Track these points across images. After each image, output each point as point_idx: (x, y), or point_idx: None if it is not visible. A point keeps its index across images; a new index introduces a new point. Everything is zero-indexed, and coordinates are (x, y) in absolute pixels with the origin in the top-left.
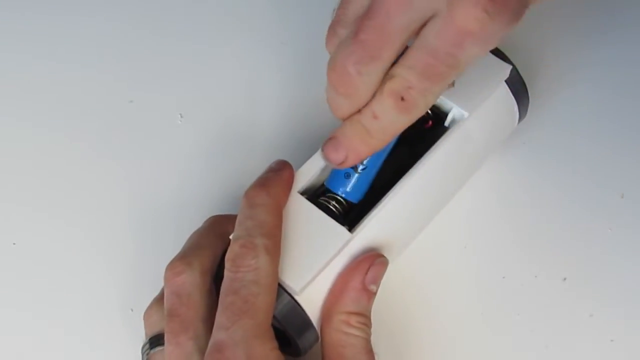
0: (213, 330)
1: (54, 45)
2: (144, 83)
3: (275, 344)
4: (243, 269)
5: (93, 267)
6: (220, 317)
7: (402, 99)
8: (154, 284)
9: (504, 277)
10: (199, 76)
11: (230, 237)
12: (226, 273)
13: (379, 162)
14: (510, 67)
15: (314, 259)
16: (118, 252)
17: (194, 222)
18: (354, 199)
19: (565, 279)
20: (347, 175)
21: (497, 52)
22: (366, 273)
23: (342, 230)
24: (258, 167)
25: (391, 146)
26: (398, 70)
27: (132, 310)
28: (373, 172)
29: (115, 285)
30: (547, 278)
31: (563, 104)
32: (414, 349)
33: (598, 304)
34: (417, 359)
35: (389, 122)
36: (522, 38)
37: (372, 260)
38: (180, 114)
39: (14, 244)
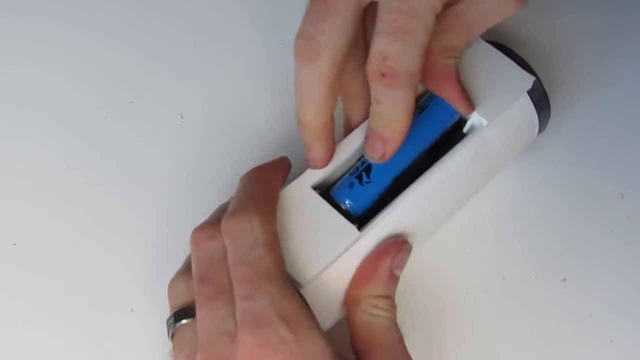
0: (237, 303)
1: (54, 46)
2: (144, 83)
3: (300, 298)
4: (240, 234)
5: (93, 267)
6: (240, 290)
7: (383, 74)
8: (155, 285)
9: (503, 278)
10: (199, 77)
11: None
12: (227, 245)
13: (386, 181)
14: (534, 78)
15: (321, 254)
16: (118, 252)
17: (194, 222)
18: (354, 211)
19: (565, 279)
20: (351, 185)
21: (521, 62)
22: (393, 258)
23: (351, 228)
24: None
25: (402, 168)
26: (370, 50)
27: (132, 310)
28: (378, 188)
29: (115, 286)
30: (547, 279)
31: (566, 107)
32: (411, 349)
33: (598, 305)
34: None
35: (391, 101)
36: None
37: (399, 246)
38: (181, 115)
39: (15, 244)
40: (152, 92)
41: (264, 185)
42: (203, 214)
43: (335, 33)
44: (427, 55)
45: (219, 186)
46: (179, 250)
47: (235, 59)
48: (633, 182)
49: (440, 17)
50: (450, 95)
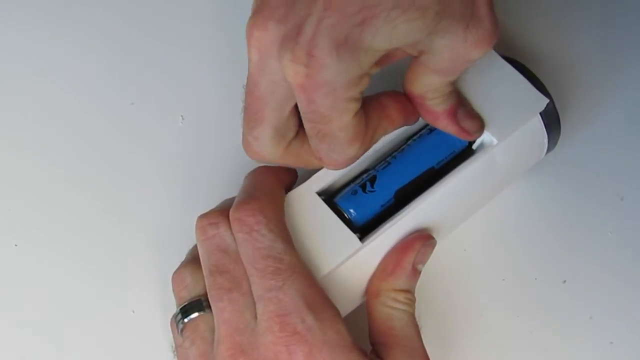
0: (262, 294)
1: (54, 47)
2: (145, 85)
3: (322, 288)
4: (256, 227)
5: (94, 268)
6: (263, 282)
7: (321, 158)
8: (156, 286)
9: (503, 280)
10: (200, 78)
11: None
12: (239, 236)
13: (389, 193)
14: (547, 100)
15: (321, 262)
16: (119, 254)
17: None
18: (357, 220)
19: (565, 281)
20: (354, 192)
21: (536, 82)
22: (417, 253)
23: (353, 238)
24: None
25: (405, 182)
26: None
27: (133, 311)
28: (381, 199)
29: (116, 287)
30: (546, 280)
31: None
32: None
33: (598, 307)
34: None
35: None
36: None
37: (424, 241)
38: (182, 116)
39: (16, 245)
40: (153, 94)
41: (273, 180)
42: None
43: (267, 139)
44: (411, 99)
45: (220, 187)
46: (181, 251)
47: (236, 60)
48: (633, 185)
49: (412, 66)
50: (446, 130)
